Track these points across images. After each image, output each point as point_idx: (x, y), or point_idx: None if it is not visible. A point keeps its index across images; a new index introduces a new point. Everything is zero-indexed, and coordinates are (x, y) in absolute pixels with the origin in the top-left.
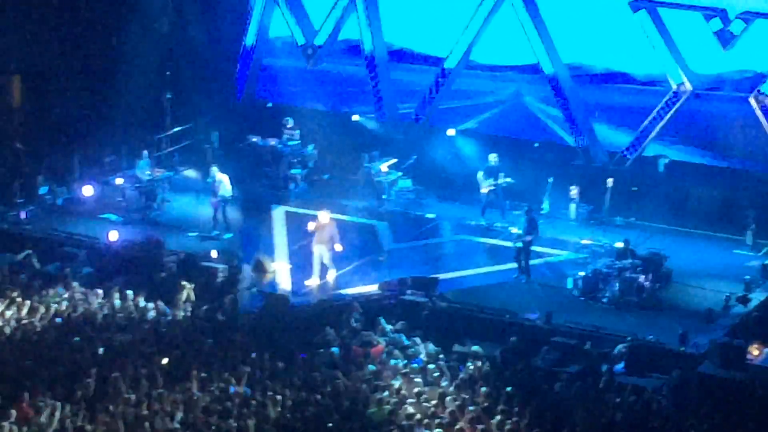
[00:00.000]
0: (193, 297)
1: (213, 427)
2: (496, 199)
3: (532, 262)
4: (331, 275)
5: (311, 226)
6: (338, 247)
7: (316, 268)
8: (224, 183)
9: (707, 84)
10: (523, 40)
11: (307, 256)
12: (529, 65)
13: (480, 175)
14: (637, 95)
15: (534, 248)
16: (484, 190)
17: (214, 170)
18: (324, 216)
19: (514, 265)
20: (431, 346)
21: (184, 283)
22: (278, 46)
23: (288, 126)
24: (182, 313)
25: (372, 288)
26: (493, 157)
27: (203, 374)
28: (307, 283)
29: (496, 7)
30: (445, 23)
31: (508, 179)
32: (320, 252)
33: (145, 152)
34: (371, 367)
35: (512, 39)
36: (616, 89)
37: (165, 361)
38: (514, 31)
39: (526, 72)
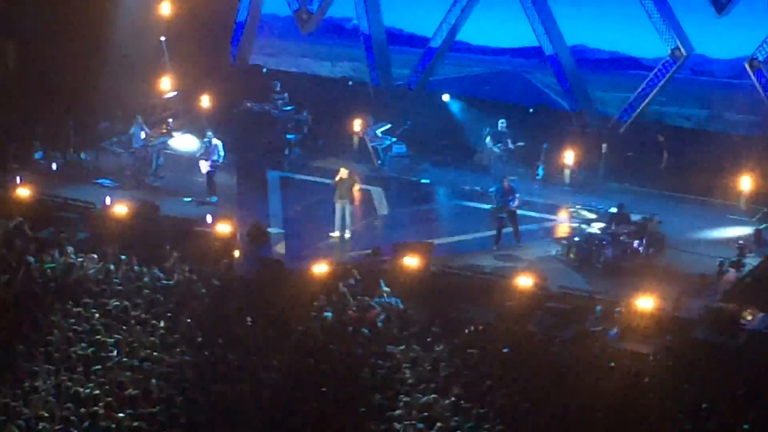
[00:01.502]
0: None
1: (207, 392)
2: (501, 165)
3: (527, 226)
4: (348, 232)
5: (335, 179)
6: (356, 192)
7: (338, 222)
8: (218, 148)
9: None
10: (518, 23)
11: (301, 221)
12: (525, 48)
13: (488, 140)
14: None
15: (529, 213)
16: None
17: (210, 135)
18: (344, 171)
19: (509, 229)
20: (426, 311)
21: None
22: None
23: (276, 90)
24: (176, 277)
25: (366, 253)
26: (501, 123)
27: (198, 339)
28: (330, 234)
29: None
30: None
31: (520, 143)
32: (342, 206)
33: (139, 117)
34: (366, 332)
35: (508, 22)
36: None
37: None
38: (509, 13)
39: (522, 55)
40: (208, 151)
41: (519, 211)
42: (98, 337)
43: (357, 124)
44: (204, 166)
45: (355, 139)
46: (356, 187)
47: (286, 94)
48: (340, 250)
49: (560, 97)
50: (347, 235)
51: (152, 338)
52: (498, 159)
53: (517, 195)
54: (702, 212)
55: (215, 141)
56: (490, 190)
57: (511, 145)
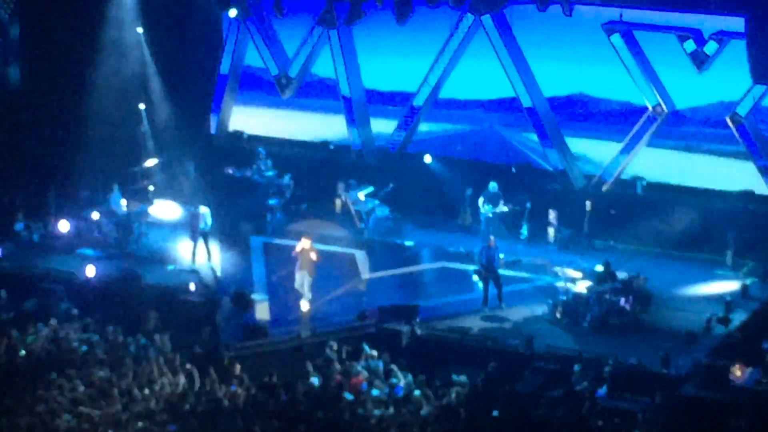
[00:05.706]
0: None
1: None
2: (492, 228)
3: (512, 287)
4: (305, 304)
5: (297, 249)
6: (313, 257)
7: (304, 291)
8: (206, 216)
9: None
10: (494, 76)
11: (285, 287)
12: (501, 99)
13: (480, 201)
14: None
15: (514, 273)
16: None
17: (197, 204)
18: (305, 242)
19: (494, 291)
20: (412, 375)
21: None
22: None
23: (260, 156)
24: (159, 347)
25: (352, 317)
26: (493, 185)
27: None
28: (301, 303)
29: (463, 45)
30: (415, 64)
31: (505, 208)
32: (301, 277)
33: (116, 186)
34: (352, 397)
35: (484, 75)
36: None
37: None
38: (486, 67)
39: (500, 108)
40: (194, 220)
41: (504, 272)
42: (82, 408)
43: (339, 188)
44: (191, 236)
45: (338, 202)
46: (315, 258)
47: (269, 161)
48: (325, 315)
49: (540, 156)
50: (304, 306)
51: (137, 409)
52: (489, 221)
53: (501, 256)
54: (688, 268)
55: (203, 209)
56: (474, 250)
57: (504, 207)
